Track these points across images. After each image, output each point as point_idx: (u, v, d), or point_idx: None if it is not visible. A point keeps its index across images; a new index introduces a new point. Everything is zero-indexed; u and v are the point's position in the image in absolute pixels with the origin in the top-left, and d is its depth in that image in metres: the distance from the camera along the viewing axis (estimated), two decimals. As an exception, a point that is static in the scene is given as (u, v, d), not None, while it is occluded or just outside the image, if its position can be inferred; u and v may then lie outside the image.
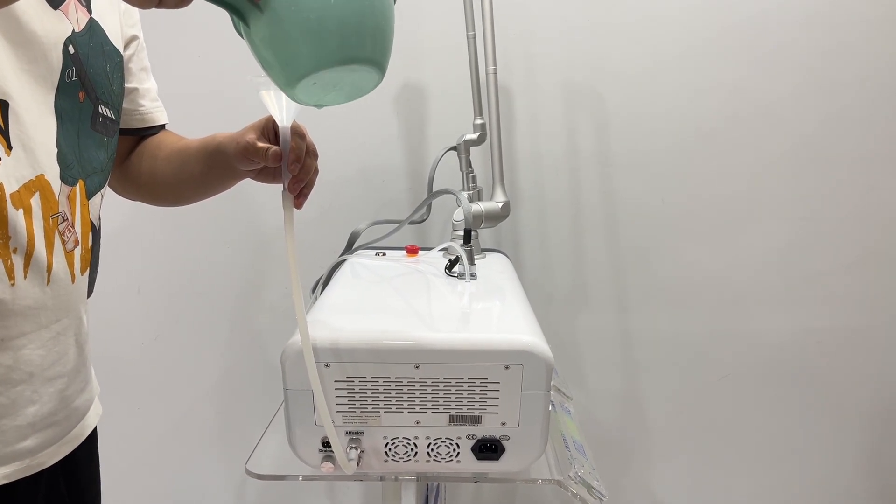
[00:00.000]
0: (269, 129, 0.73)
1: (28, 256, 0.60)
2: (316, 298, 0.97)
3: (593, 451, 0.87)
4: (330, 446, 0.70)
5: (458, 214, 1.11)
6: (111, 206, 0.78)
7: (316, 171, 0.73)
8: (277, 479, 0.77)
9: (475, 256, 1.06)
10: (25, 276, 0.60)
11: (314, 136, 0.74)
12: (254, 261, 1.40)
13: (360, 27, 0.53)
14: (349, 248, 1.14)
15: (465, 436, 0.71)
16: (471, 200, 1.14)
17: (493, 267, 1.05)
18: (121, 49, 0.74)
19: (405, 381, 0.69)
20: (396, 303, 0.82)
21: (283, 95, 0.58)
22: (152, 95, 0.84)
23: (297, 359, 0.67)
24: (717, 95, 1.31)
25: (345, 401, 0.70)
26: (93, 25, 0.68)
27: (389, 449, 0.72)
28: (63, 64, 0.63)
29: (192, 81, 1.29)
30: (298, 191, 0.69)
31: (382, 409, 0.70)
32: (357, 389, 0.70)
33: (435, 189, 1.15)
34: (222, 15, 0.54)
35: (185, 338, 1.43)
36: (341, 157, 1.34)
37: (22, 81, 0.59)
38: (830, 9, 1.26)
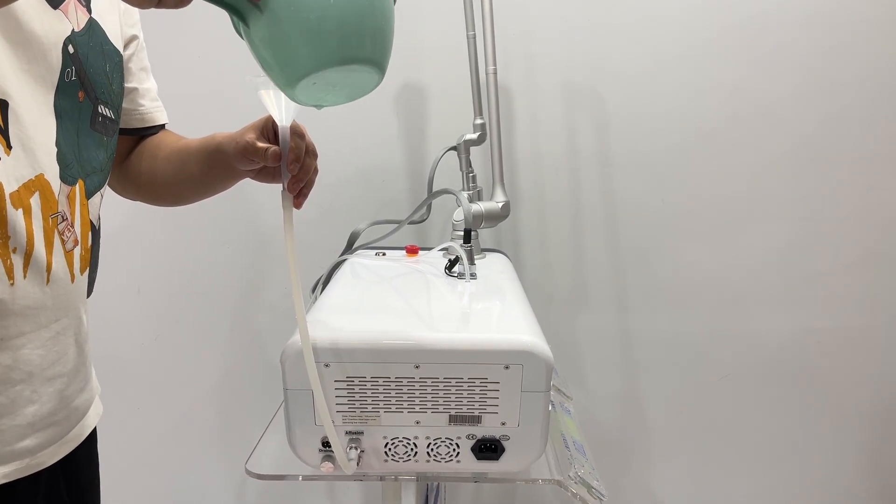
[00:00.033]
0: (268, 129, 0.73)
1: (27, 256, 0.60)
2: (316, 298, 0.97)
3: (593, 451, 0.87)
4: (330, 446, 0.70)
5: (458, 214, 1.11)
6: (111, 206, 0.78)
7: (315, 171, 0.73)
8: (277, 479, 0.77)
9: (475, 256, 1.06)
10: (25, 276, 0.60)
11: (314, 136, 0.74)
12: (254, 261, 1.40)
13: (359, 27, 0.53)
14: (349, 248, 1.14)
15: (464, 436, 0.71)
16: (471, 200, 1.13)
17: (493, 267, 1.05)
18: (120, 49, 0.74)
19: (405, 381, 0.69)
20: (396, 303, 0.82)
21: (283, 95, 0.58)
22: (152, 95, 0.84)
23: (297, 359, 0.67)
24: (717, 95, 1.31)
25: (345, 401, 0.70)
26: (92, 25, 0.68)
27: (389, 449, 0.72)
28: (62, 63, 0.63)
29: (192, 81, 1.29)
30: (298, 190, 0.69)
31: (382, 409, 0.70)
32: (357, 389, 0.69)
33: (435, 189, 1.15)
34: (222, 15, 0.54)
35: (185, 338, 1.43)
36: (341, 157, 1.34)
37: (21, 81, 0.59)
38: (830, 9, 1.26)
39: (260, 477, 0.77)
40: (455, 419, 0.71)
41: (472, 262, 0.98)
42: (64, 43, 0.63)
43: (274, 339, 1.44)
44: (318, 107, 0.60)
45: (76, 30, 0.65)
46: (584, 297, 1.40)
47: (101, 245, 0.75)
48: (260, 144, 0.70)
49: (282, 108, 0.66)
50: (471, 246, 1.01)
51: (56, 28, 0.62)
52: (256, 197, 1.36)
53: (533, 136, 1.34)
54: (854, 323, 1.40)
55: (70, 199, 0.65)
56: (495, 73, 1.13)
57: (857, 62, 1.28)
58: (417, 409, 0.70)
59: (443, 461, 0.73)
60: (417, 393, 0.69)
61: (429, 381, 0.69)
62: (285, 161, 0.68)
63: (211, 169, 0.79)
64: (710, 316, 1.40)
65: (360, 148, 1.34)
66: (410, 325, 0.74)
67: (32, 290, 0.61)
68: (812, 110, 1.31)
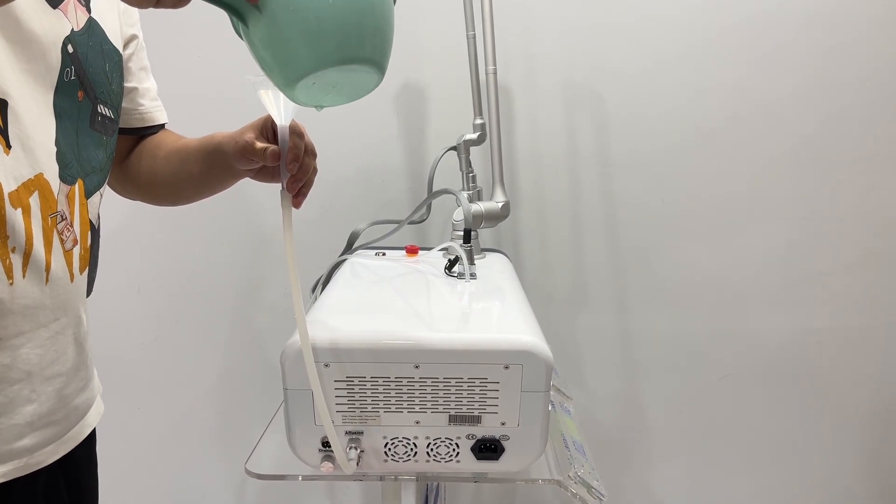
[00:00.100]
0: (267, 129, 0.73)
1: (27, 256, 0.60)
2: (316, 298, 0.97)
3: (593, 451, 0.87)
4: (330, 446, 0.70)
5: (458, 214, 1.11)
6: (110, 206, 0.78)
7: (315, 171, 0.73)
8: (277, 479, 0.77)
9: (475, 256, 1.06)
10: (24, 276, 0.60)
11: (314, 135, 0.74)
12: (253, 261, 1.40)
13: (359, 27, 0.52)
14: (349, 248, 1.14)
15: (464, 436, 0.71)
16: (471, 200, 1.13)
17: (492, 267, 1.05)
18: (120, 48, 0.74)
19: (405, 381, 0.69)
20: (396, 303, 0.82)
21: (282, 95, 0.58)
22: (152, 95, 0.84)
23: (297, 359, 0.67)
24: (717, 95, 1.30)
25: (344, 401, 0.70)
26: (92, 25, 0.68)
27: (389, 449, 0.72)
28: (62, 63, 0.63)
29: (192, 81, 1.29)
30: (297, 190, 0.69)
31: (382, 409, 0.70)
32: (357, 389, 0.69)
33: (435, 189, 1.15)
34: (222, 15, 0.54)
35: (184, 338, 1.43)
36: (341, 157, 1.34)
37: (21, 80, 0.59)
38: (830, 9, 1.26)
39: (260, 477, 0.77)
40: (455, 419, 0.71)
41: (471, 262, 0.98)
42: (63, 42, 0.63)
43: (274, 339, 1.44)
44: (319, 107, 0.60)
45: (76, 29, 0.65)
46: (584, 297, 1.40)
47: (100, 245, 0.75)
48: (259, 144, 0.70)
49: (281, 108, 0.66)
50: (471, 246, 1.01)
51: (55, 27, 0.62)
52: (256, 197, 1.36)
53: (533, 136, 1.34)
54: (854, 323, 1.40)
55: (69, 198, 0.65)
56: (495, 73, 1.13)
57: (857, 62, 1.28)
58: (417, 409, 0.70)
59: (443, 461, 0.73)
60: (417, 393, 0.69)
61: (429, 381, 0.69)
62: (284, 160, 0.68)
63: (210, 168, 0.79)
64: (710, 316, 1.40)
65: (360, 148, 1.34)
66: (410, 325, 0.73)
67: (31, 289, 0.61)
68: (812, 110, 1.31)
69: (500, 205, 1.15)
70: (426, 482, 1.01)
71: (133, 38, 0.78)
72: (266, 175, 0.76)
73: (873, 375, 1.42)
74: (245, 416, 1.47)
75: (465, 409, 0.70)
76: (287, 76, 0.54)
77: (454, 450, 0.72)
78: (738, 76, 1.30)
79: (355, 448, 0.71)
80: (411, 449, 0.72)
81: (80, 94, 0.66)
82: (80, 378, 0.71)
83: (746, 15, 1.27)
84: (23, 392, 0.62)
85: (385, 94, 1.32)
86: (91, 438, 0.77)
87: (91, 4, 0.68)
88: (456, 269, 0.95)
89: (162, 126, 0.87)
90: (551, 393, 0.71)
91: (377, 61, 0.55)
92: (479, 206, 1.12)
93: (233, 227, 1.38)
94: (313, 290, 1.08)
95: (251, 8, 0.51)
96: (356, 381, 0.69)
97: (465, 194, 1.12)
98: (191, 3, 0.49)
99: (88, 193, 0.69)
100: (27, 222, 0.59)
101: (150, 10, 0.49)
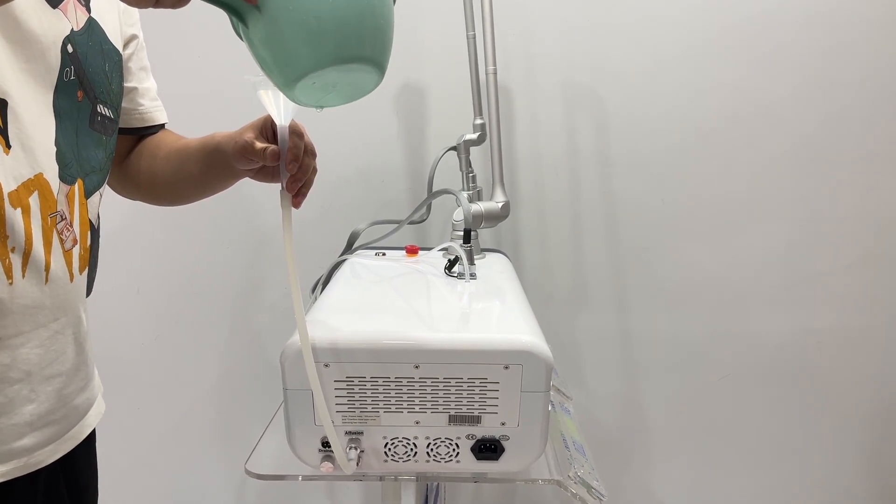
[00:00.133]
0: (267, 129, 0.73)
1: (26, 255, 0.60)
2: (316, 298, 0.97)
3: (593, 451, 0.87)
4: (329, 446, 0.70)
5: (458, 214, 1.11)
6: (110, 206, 0.78)
7: (314, 171, 0.73)
8: (277, 479, 0.77)
9: (475, 256, 1.06)
10: (24, 276, 0.60)
11: (313, 135, 0.74)
12: (253, 261, 1.40)
13: (358, 26, 0.52)
14: (349, 248, 1.14)
15: (464, 436, 0.71)
16: (471, 200, 1.13)
17: (492, 267, 1.05)
18: (120, 48, 0.74)
19: (405, 381, 0.69)
20: (396, 303, 0.82)
21: (281, 94, 0.58)
22: (152, 95, 0.84)
23: (297, 359, 0.67)
24: (717, 95, 1.30)
25: (344, 401, 0.70)
26: (92, 24, 0.68)
27: (389, 449, 0.72)
28: (61, 63, 0.63)
29: (192, 81, 1.29)
30: (297, 190, 0.69)
31: (382, 409, 0.70)
32: (357, 389, 0.69)
33: (435, 189, 1.15)
34: (222, 15, 0.54)
35: (184, 338, 1.43)
36: (341, 157, 1.34)
37: (21, 80, 0.59)
38: (830, 9, 1.26)
39: (260, 477, 0.77)
40: (455, 419, 0.71)
41: (471, 262, 0.98)
42: (63, 42, 0.63)
43: (274, 339, 1.44)
44: (319, 108, 0.60)
45: (75, 29, 0.65)
46: (584, 297, 1.40)
47: (100, 245, 0.75)
48: (258, 144, 0.70)
49: (280, 108, 0.66)
50: (470, 246, 1.01)
51: (55, 27, 0.62)
52: (256, 197, 1.36)
53: (533, 137, 1.33)
54: (854, 323, 1.40)
55: (69, 198, 0.65)
56: (495, 73, 1.13)
57: (857, 62, 1.28)
58: (417, 409, 0.70)
59: (442, 461, 0.73)
60: (417, 393, 0.69)
61: (428, 381, 0.69)
62: (284, 160, 0.68)
63: (210, 168, 0.79)
64: (710, 316, 1.40)
65: (360, 148, 1.34)
66: (410, 325, 0.73)
67: (31, 289, 0.61)
68: (812, 110, 1.31)
69: (500, 205, 1.15)
70: (426, 482, 1.01)
71: (133, 37, 0.78)
72: (266, 175, 0.76)
73: (873, 375, 1.42)
74: (245, 416, 1.47)
75: (464, 409, 0.70)
76: (287, 76, 0.54)
77: (454, 450, 0.72)
78: (738, 76, 1.30)
79: (355, 448, 0.71)
80: (411, 449, 0.72)
81: (79, 93, 0.66)
82: (80, 378, 0.71)
83: (746, 15, 1.27)
84: (22, 392, 0.62)
85: (385, 94, 1.32)
86: (91, 438, 0.77)
87: (91, 4, 0.68)
88: (456, 269, 0.95)
89: (162, 126, 0.86)
90: (551, 393, 0.71)
91: (377, 61, 0.55)
92: (479, 206, 1.12)
93: (233, 227, 1.38)
94: (313, 290, 1.08)
95: (250, 8, 0.51)
96: (356, 381, 0.69)
97: (465, 194, 1.12)
98: (190, 3, 0.49)
99: (88, 193, 0.69)
100: (27, 222, 0.59)
101: (150, 10, 0.49)
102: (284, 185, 0.68)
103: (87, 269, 0.70)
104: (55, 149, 0.62)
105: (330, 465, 0.71)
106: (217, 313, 1.42)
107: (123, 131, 0.80)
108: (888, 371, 1.42)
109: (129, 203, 0.90)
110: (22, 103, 0.59)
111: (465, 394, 0.69)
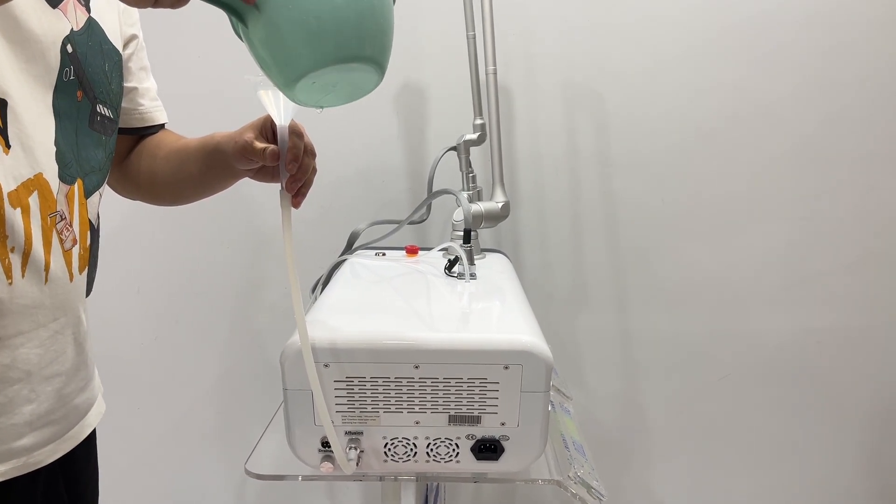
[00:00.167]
0: (267, 129, 0.73)
1: (26, 255, 0.60)
2: (315, 298, 0.97)
3: (593, 451, 0.87)
4: (329, 446, 0.70)
5: (458, 214, 1.11)
6: (110, 206, 0.78)
7: (314, 171, 0.73)
8: (277, 479, 0.77)
9: (475, 256, 1.06)
10: (23, 275, 0.60)
11: (313, 136, 0.74)
12: (253, 261, 1.40)
13: (358, 25, 0.52)
14: (349, 248, 1.14)
15: (464, 436, 0.71)
16: (471, 200, 1.13)
17: (492, 267, 1.05)
18: (119, 48, 0.74)
19: (405, 382, 0.69)
20: (396, 303, 0.82)
21: (281, 94, 0.58)
22: (152, 95, 0.84)
23: (297, 359, 0.67)
24: (717, 95, 1.30)
25: (344, 401, 0.70)
26: (91, 24, 0.68)
27: (389, 449, 0.72)
28: (61, 63, 0.63)
29: (192, 81, 1.29)
30: (296, 190, 0.69)
31: (382, 409, 0.70)
32: (356, 389, 0.69)
33: (435, 189, 1.15)
34: (221, 15, 0.54)
35: (184, 338, 1.43)
36: (341, 157, 1.34)
37: (20, 80, 0.59)
38: (830, 9, 1.26)
39: (259, 477, 0.77)
40: (455, 419, 0.71)
41: (471, 262, 0.98)
42: (62, 42, 0.63)
43: (274, 339, 1.44)
44: (319, 108, 0.60)
45: (75, 29, 0.65)
46: (584, 297, 1.40)
47: (100, 244, 0.75)
48: (258, 144, 0.70)
49: (280, 108, 0.66)
50: (470, 246, 1.01)
51: (55, 27, 0.62)
52: (256, 197, 1.36)
53: (533, 137, 1.33)
54: (854, 323, 1.40)
55: (69, 198, 0.65)
56: (495, 73, 1.13)
57: (857, 62, 1.28)
58: (417, 409, 0.70)
59: (442, 461, 0.73)
60: (417, 393, 0.69)
61: (428, 382, 0.69)
62: (283, 160, 0.68)
63: (210, 168, 0.79)
64: (710, 316, 1.40)
65: (360, 148, 1.34)
66: (410, 325, 0.73)
67: (30, 289, 0.61)
68: (812, 110, 1.31)
69: (500, 205, 1.15)
70: (426, 482, 1.01)
71: (133, 37, 0.78)
72: (265, 175, 0.76)
73: (873, 375, 1.42)
74: (245, 416, 1.47)
75: (464, 409, 0.70)
76: (286, 76, 0.54)
77: (454, 450, 0.72)
78: (738, 76, 1.29)
79: (355, 448, 0.71)
80: (411, 449, 0.72)
81: (79, 93, 0.66)
82: (80, 378, 0.71)
83: (746, 15, 1.27)
84: (22, 392, 0.62)
85: (385, 94, 1.32)
86: (92, 438, 0.77)
87: (91, 4, 0.68)
88: (456, 269, 0.95)
89: (162, 126, 0.86)
90: (551, 393, 0.71)
91: (377, 60, 0.55)
92: (479, 206, 1.12)
93: (233, 227, 1.38)
94: (313, 290, 1.08)
95: (249, 7, 0.51)
96: (356, 381, 0.69)
97: (465, 194, 1.12)
98: (190, 3, 0.49)
99: (88, 193, 0.69)
100: (26, 222, 0.59)
101: (150, 10, 0.49)
102: (284, 185, 0.68)
103: (86, 269, 0.70)
104: (55, 149, 0.62)
105: (330, 465, 0.71)
106: (217, 313, 1.42)
107: (123, 131, 0.80)
108: (888, 371, 1.42)
109: (129, 203, 0.90)
110: (21, 103, 0.59)
111: (464, 394, 0.69)
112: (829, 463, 1.47)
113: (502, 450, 0.72)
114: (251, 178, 0.77)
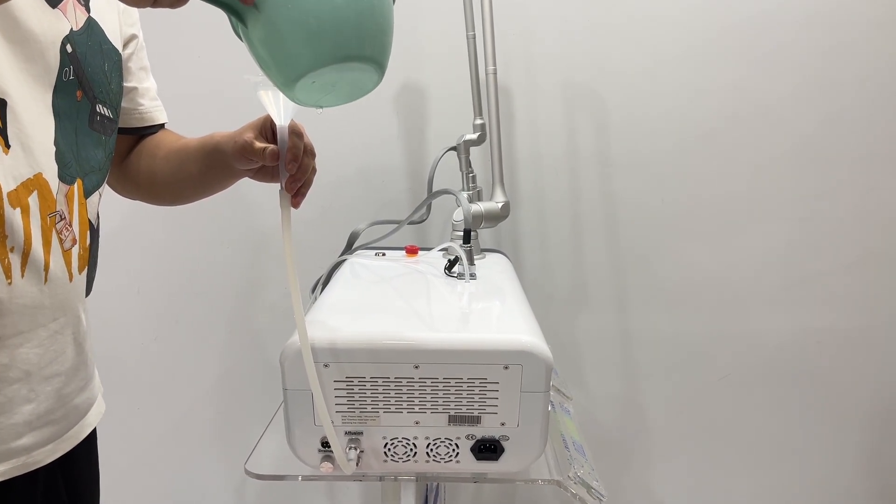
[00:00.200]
0: (266, 128, 0.73)
1: (25, 255, 0.59)
2: (315, 298, 0.96)
3: (593, 451, 0.87)
4: (329, 446, 0.70)
5: (458, 214, 1.11)
6: (110, 206, 0.78)
7: (314, 171, 0.73)
8: (277, 479, 0.76)
9: (475, 257, 1.06)
10: (23, 275, 0.60)
11: (313, 136, 0.74)
12: (253, 261, 1.40)
13: (358, 25, 0.52)
14: (349, 248, 1.14)
15: (464, 436, 0.71)
16: (470, 200, 1.13)
17: (492, 267, 1.05)
18: (119, 48, 0.74)
19: (404, 382, 0.69)
20: (396, 303, 0.82)
21: (281, 94, 0.58)
22: (151, 95, 0.84)
23: (297, 359, 0.67)
24: (717, 95, 1.30)
25: (344, 401, 0.70)
26: (91, 24, 0.68)
27: (389, 449, 0.72)
28: (60, 63, 0.63)
29: (192, 81, 1.29)
30: (296, 190, 0.69)
31: (382, 409, 0.70)
32: (356, 389, 0.69)
33: (435, 189, 1.15)
34: (221, 15, 0.54)
35: (184, 338, 1.43)
36: (341, 157, 1.34)
37: (20, 80, 0.59)
38: (830, 9, 1.26)
39: (259, 477, 0.77)
40: (454, 419, 0.71)
41: (471, 262, 0.98)
42: (62, 42, 0.63)
43: (274, 339, 1.44)
44: (319, 108, 0.60)
45: (75, 29, 0.65)
46: (584, 297, 1.40)
47: (100, 244, 0.74)
48: (258, 144, 0.70)
49: (280, 108, 0.66)
50: (470, 246, 1.01)
51: (54, 27, 0.62)
52: (256, 197, 1.36)
53: (533, 137, 1.33)
54: (854, 323, 1.40)
55: (68, 198, 0.65)
56: (495, 73, 1.13)
57: (857, 62, 1.28)
58: (417, 409, 0.70)
59: (442, 461, 0.73)
60: (417, 393, 0.69)
61: (428, 382, 0.69)
62: (283, 160, 0.68)
63: (210, 168, 0.79)
64: (710, 316, 1.40)
65: (360, 148, 1.34)
66: (410, 325, 0.73)
67: (30, 289, 0.61)
68: (812, 110, 1.31)
69: (500, 205, 1.15)
70: (426, 482, 1.01)
71: (133, 37, 0.78)
72: (265, 175, 0.76)
73: (873, 375, 1.42)
74: (245, 416, 1.47)
75: (464, 409, 0.70)
76: (286, 75, 0.54)
77: (454, 450, 0.72)
78: (738, 76, 1.29)
79: (355, 448, 0.71)
80: (411, 449, 0.72)
81: (78, 93, 0.66)
82: (80, 378, 0.71)
83: (746, 15, 1.27)
84: (21, 391, 0.62)
85: (385, 94, 1.32)
86: (91, 438, 0.77)
87: (90, 4, 0.68)
88: (456, 269, 0.95)
89: (162, 126, 0.86)
90: (551, 393, 0.71)
91: (377, 60, 0.55)
92: (479, 207, 1.12)
93: (233, 227, 1.38)
94: (313, 290, 1.07)
95: (249, 7, 0.51)
96: (356, 381, 0.69)
97: (465, 194, 1.12)
98: (189, 2, 0.49)
99: (87, 193, 0.69)
100: (26, 222, 0.59)
101: (150, 9, 0.49)
102: (284, 185, 0.68)
103: (86, 269, 0.70)
104: (54, 148, 0.62)
105: (330, 465, 0.71)
106: (217, 313, 1.42)
107: (123, 131, 0.80)
108: (888, 371, 1.42)
109: (129, 203, 0.89)
110: (21, 103, 0.59)
111: (464, 394, 0.69)
112: (829, 463, 1.47)
113: (502, 450, 0.72)
114: (251, 178, 0.77)
